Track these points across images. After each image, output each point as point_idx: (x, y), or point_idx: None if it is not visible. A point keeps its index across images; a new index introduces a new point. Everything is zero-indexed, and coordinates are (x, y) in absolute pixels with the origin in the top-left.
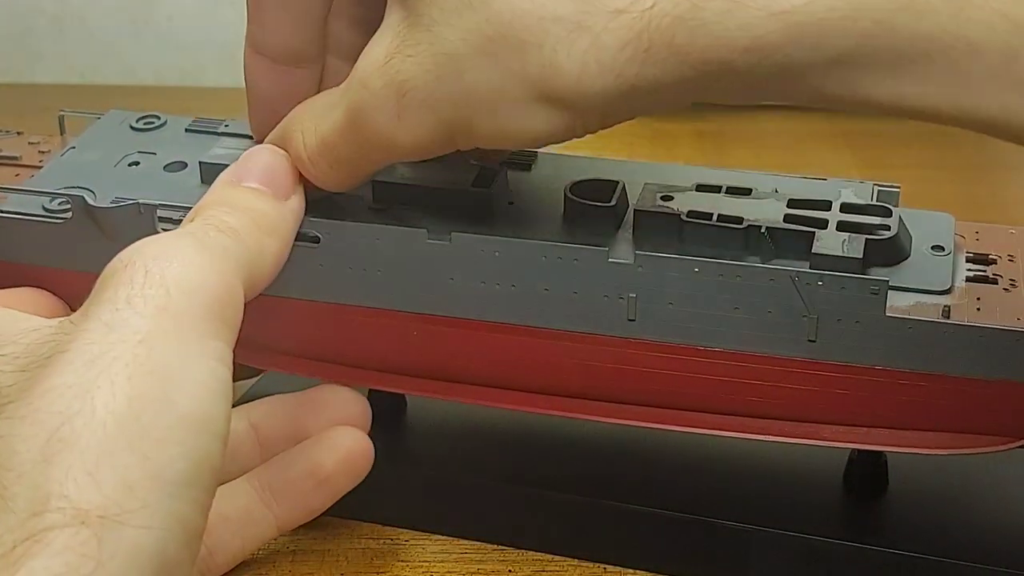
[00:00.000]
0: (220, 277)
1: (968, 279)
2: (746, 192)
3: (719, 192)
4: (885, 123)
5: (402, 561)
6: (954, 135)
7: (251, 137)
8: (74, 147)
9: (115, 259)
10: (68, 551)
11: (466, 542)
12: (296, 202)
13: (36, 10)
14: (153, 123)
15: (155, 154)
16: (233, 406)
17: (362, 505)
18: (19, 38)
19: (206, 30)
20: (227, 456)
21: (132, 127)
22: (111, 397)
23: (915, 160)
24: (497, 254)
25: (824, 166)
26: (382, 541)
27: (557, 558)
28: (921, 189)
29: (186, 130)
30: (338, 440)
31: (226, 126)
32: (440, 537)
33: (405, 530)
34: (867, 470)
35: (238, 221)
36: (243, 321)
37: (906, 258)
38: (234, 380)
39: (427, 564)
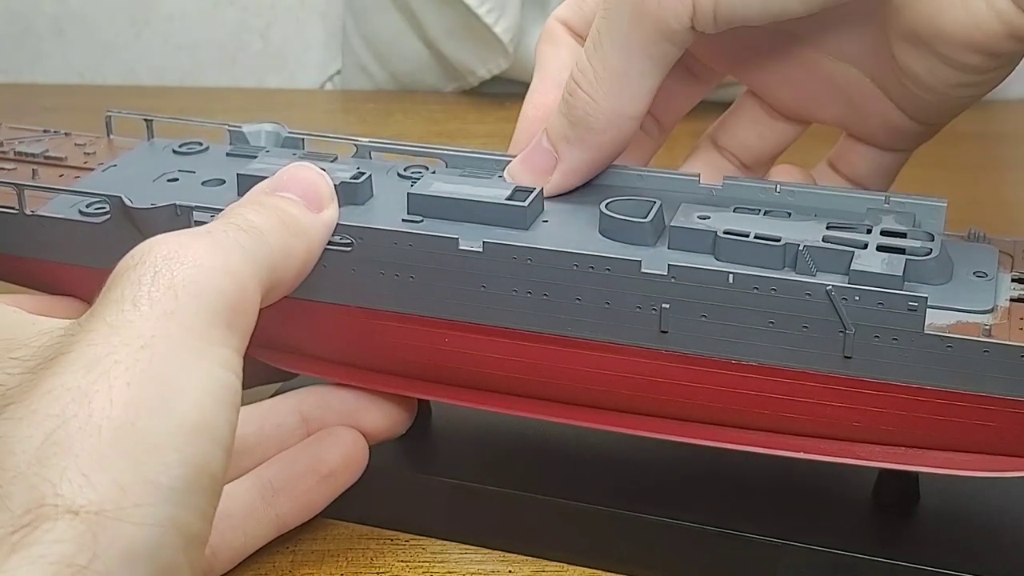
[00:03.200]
0: (233, 281)
1: (1012, 299)
2: (785, 215)
3: (758, 214)
4: None
5: (402, 561)
6: (954, 135)
7: (289, 159)
8: (115, 165)
9: (127, 256)
10: (64, 541)
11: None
12: (329, 215)
13: (36, 10)
14: (195, 148)
15: (194, 172)
16: (274, 395)
17: (385, 512)
18: (19, 38)
19: (206, 30)
20: (276, 446)
21: (175, 151)
22: (108, 402)
23: (915, 160)
24: (529, 262)
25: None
26: (382, 541)
27: (555, 559)
28: (921, 189)
29: (227, 154)
30: (340, 438)
31: (267, 152)
32: (439, 538)
33: (404, 531)
34: (898, 484)
35: (264, 220)
36: (274, 324)
37: (947, 281)
38: (266, 383)
39: (427, 564)
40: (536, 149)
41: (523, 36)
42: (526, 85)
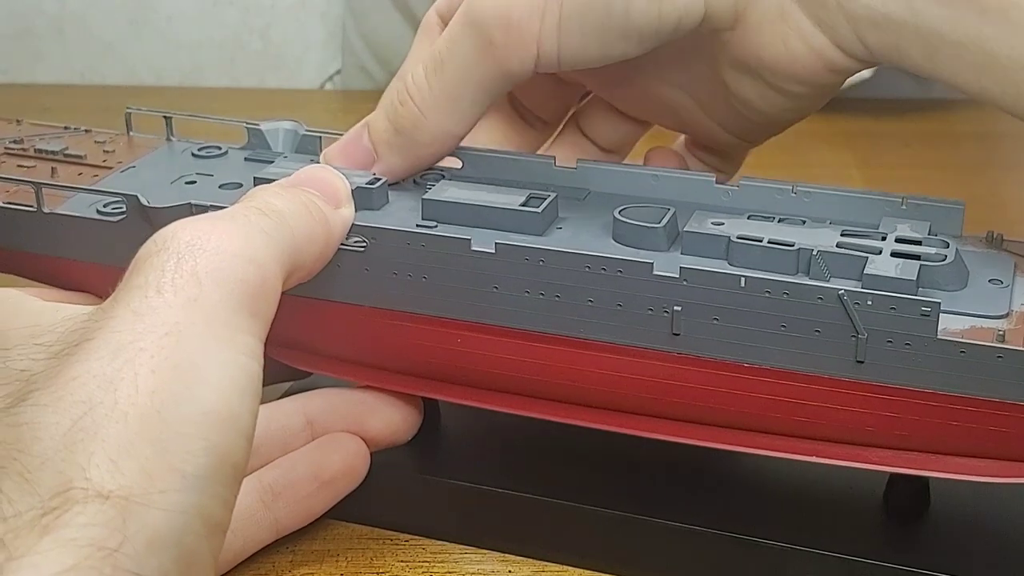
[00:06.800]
0: (256, 268)
1: None
2: (799, 223)
3: (772, 221)
4: (885, 123)
5: (402, 561)
6: (954, 135)
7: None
8: (134, 166)
9: (149, 241)
10: (95, 525)
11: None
12: (346, 212)
13: (36, 10)
14: (214, 152)
15: (212, 176)
16: (284, 396)
17: (392, 513)
18: (19, 38)
19: (206, 30)
20: (279, 449)
21: (194, 154)
22: (134, 390)
23: (915, 160)
24: (541, 263)
25: (824, 166)
26: (382, 541)
27: (561, 563)
28: (921, 189)
29: (245, 158)
30: (342, 444)
31: (284, 157)
32: (446, 540)
33: (410, 532)
34: (909, 489)
35: (285, 204)
36: (288, 323)
37: (963, 288)
38: (279, 381)
39: (427, 564)
40: (356, 143)
41: None
42: None
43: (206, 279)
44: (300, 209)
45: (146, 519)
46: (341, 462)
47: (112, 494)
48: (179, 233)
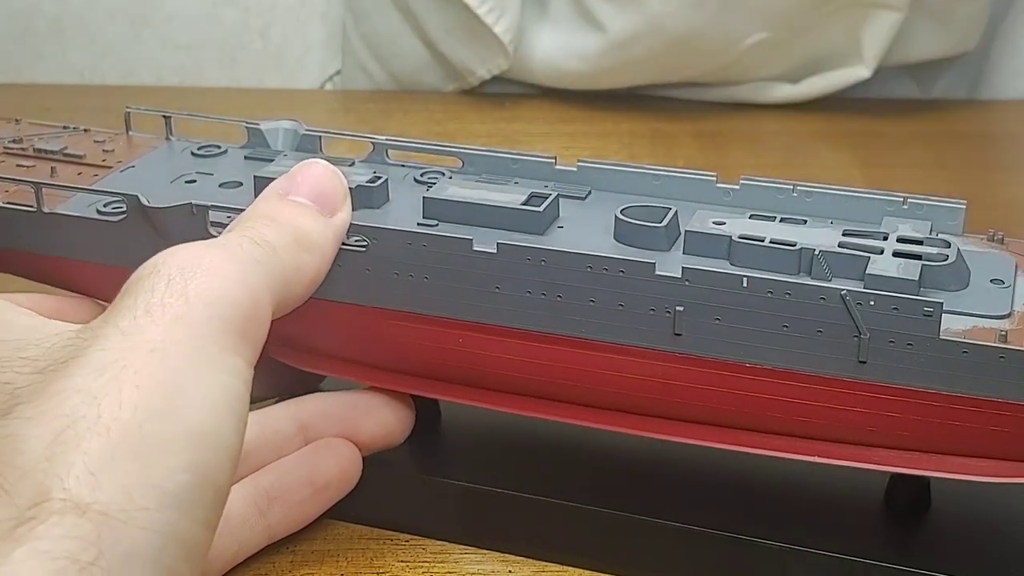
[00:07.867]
0: (246, 291)
1: None
2: (801, 222)
3: (774, 220)
4: (885, 123)
5: (402, 561)
6: (954, 135)
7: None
8: (133, 166)
9: (142, 266)
10: (70, 538)
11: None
12: (342, 217)
13: (36, 10)
14: (213, 151)
15: (212, 175)
16: (277, 401)
17: (393, 514)
18: (19, 38)
19: (206, 30)
20: (273, 454)
21: (193, 153)
22: (117, 405)
23: (915, 160)
24: (543, 263)
25: (824, 166)
26: (382, 541)
27: (561, 563)
28: (921, 189)
29: (245, 157)
30: (336, 450)
31: (284, 155)
32: (447, 541)
33: (411, 533)
34: (910, 489)
35: (276, 236)
36: (289, 323)
37: (964, 288)
38: (287, 392)
39: (427, 564)
40: None
41: (523, 36)
42: (526, 85)
43: (195, 299)
44: (291, 242)
45: (123, 535)
46: (335, 467)
47: (90, 508)
48: (171, 258)
